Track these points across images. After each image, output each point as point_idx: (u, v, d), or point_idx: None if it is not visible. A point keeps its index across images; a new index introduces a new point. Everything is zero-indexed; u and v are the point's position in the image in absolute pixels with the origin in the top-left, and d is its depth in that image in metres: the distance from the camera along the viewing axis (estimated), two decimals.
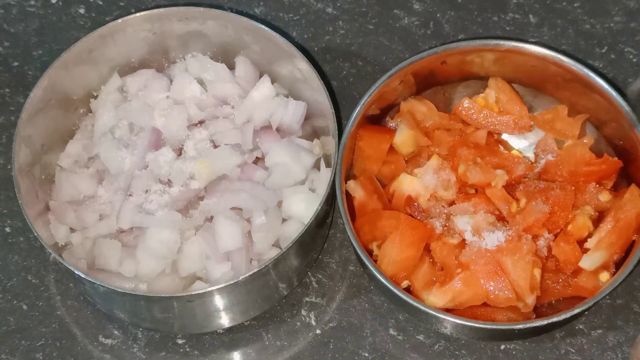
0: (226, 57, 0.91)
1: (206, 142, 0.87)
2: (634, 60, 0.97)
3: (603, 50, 0.98)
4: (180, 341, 0.86)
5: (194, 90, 0.89)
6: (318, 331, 0.87)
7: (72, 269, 0.78)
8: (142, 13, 0.88)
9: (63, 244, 0.85)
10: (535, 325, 0.78)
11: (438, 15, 1.00)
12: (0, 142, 0.95)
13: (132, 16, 0.88)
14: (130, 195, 0.85)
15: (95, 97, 0.90)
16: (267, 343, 0.86)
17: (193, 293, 0.78)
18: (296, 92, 0.90)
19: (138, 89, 0.90)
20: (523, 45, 0.87)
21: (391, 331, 0.86)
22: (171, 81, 0.90)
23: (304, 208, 0.84)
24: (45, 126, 0.86)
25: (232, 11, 0.96)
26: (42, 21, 1.01)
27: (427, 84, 0.90)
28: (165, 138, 0.87)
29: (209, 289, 0.78)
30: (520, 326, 0.79)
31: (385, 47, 0.99)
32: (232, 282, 0.78)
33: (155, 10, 0.88)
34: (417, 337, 0.86)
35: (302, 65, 0.86)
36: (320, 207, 0.80)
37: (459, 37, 0.99)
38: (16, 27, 1.00)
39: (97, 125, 0.88)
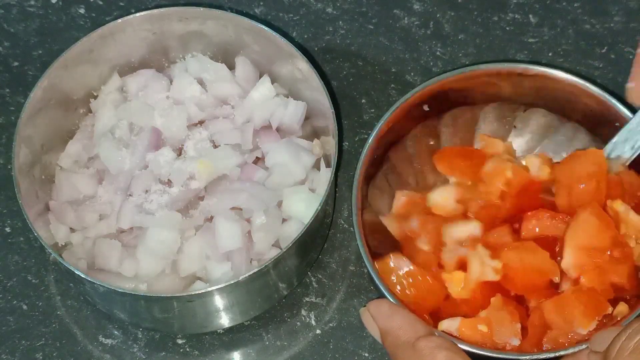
0: (226, 57, 0.92)
1: (206, 142, 0.87)
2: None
3: (603, 50, 0.98)
4: (180, 341, 0.86)
5: (194, 90, 0.89)
6: (318, 331, 0.87)
7: (72, 268, 0.78)
8: (142, 13, 0.88)
9: (63, 244, 0.85)
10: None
11: (438, 15, 1.00)
12: (0, 142, 0.95)
13: (132, 16, 0.88)
14: (130, 195, 0.85)
15: (95, 97, 0.91)
16: (267, 343, 0.86)
17: (193, 293, 0.78)
18: (296, 92, 0.90)
19: (138, 89, 0.90)
20: (551, 72, 0.84)
21: None
22: (171, 81, 0.90)
23: (304, 208, 0.84)
24: (45, 126, 0.86)
25: (232, 11, 0.96)
26: (42, 21, 1.01)
27: (450, 103, 0.87)
28: (165, 138, 0.87)
29: (210, 289, 0.78)
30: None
31: (386, 47, 0.99)
32: (232, 281, 0.78)
33: (156, 10, 0.88)
34: None
35: (302, 65, 0.86)
36: (320, 207, 0.80)
37: (459, 36, 0.99)
38: (16, 27, 1.00)
39: (97, 125, 0.88)
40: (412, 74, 0.97)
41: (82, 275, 0.78)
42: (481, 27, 0.99)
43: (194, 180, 0.85)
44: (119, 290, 0.78)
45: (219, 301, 0.81)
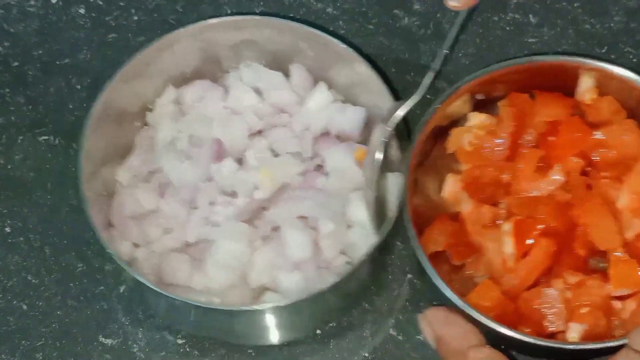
0: (279, 64, 0.91)
1: (266, 152, 0.87)
2: (634, 60, 0.97)
3: (603, 50, 0.98)
4: (180, 341, 0.86)
5: (251, 99, 0.88)
6: (318, 331, 0.87)
7: (152, 286, 0.77)
8: (198, 23, 0.88)
9: (126, 259, 0.84)
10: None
11: (438, 15, 1.00)
12: (1, 142, 0.95)
13: (188, 27, 0.88)
14: (195, 208, 0.84)
15: (151, 110, 0.90)
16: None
17: (289, 302, 0.78)
18: (352, 97, 0.90)
19: (194, 100, 0.89)
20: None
21: (391, 331, 0.86)
22: (227, 91, 0.90)
23: (367, 214, 0.83)
24: (104, 142, 0.85)
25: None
26: (42, 21, 1.01)
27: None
28: (226, 149, 0.86)
29: (301, 298, 0.77)
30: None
31: (385, 47, 0.98)
32: (324, 287, 0.77)
33: (211, 21, 0.88)
34: (417, 337, 0.86)
35: (363, 70, 0.86)
36: (395, 216, 0.80)
37: (459, 36, 0.99)
38: (16, 27, 1.00)
39: (157, 138, 0.87)
40: (412, 74, 0.97)
41: (161, 292, 0.77)
42: (481, 27, 0.99)
43: (258, 190, 0.84)
44: (204, 306, 0.78)
45: (305, 310, 0.81)
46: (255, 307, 0.79)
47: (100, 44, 0.99)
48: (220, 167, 0.85)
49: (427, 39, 0.99)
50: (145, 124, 0.90)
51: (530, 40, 0.98)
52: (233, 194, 0.85)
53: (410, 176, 0.82)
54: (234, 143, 0.87)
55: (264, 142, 0.87)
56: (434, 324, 0.79)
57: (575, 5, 1.00)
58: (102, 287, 0.89)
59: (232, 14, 0.95)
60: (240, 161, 0.87)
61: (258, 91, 0.90)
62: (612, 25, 0.99)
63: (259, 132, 0.88)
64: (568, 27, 0.99)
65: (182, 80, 0.91)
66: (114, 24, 1.00)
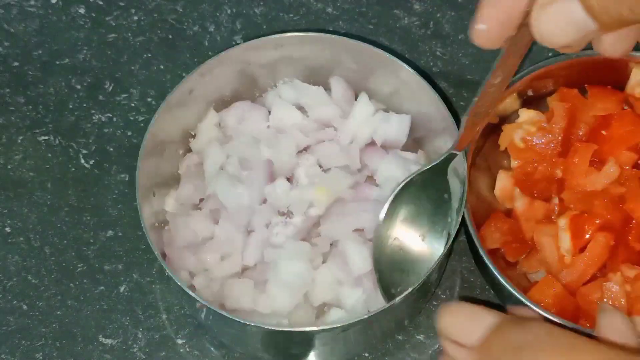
0: (316, 78, 0.90)
1: (315, 168, 0.86)
2: None
3: None
4: (180, 341, 0.86)
5: (294, 117, 0.88)
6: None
7: (223, 313, 0.76)
8: (241, 45, 0.87)
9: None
10: None
11: (438, 15, 1.00)
12: (1, 142, 0.95)
13: (230, 50, 0.86)
14: (252, 230, 0.83)
15: (194, 136, 0.89)
16: None
17: (364, 317, 0.76)
18: (394, 105, 0.89)
19: (235, 122, 0.89)
20: None
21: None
22: (269, 110, 0.89)
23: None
24: (154, 172, 0.84)
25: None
26: (42, 21, 1.01)
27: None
28: (275, 168, 0.86)
29: (377, 310, 0.76)
30: None
31: (386, 47, 0.98)
32: (399, 297, 0.76)
33: (253, 42, 0.87)
34: (417, 337, 0.86)
35: (407, 76, 0.85)
36: (458, 221, 0.79)
37: (459, 36, 0.99)
38: (16, 27, 1.00)
39: (206, 164, 0.86)
40: None
41: (234, 318, 0.76)
42: None
43: (313, 207, 0.83)
44: (284, 330, 0.77)
45: (375, 325, 0.80)
46: (344, 323, 0.76)
47: (100, 44, 0.99)
48: (274, 188, 0.84)
49: (427, 39, 0.99)
50: (189, 151, 0.89)
51: None
52: (288, 214, 0.84)
53: (467, 175, 0.81)
54: (284, 163, 0.86)
55: (312, 158, 0.86)
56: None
57: None
58: (102, 287, 0.89)
59: (271, 32, 0.92)
60: (290, 180, 0.86)
61: (300, 107, 0.89)
62: None
63: (305, 149, 0.88)
64: None
65: (222, 104, 0.90)
66: (114, 24, 1.00)
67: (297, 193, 0.84)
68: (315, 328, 0.77)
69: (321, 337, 0.79)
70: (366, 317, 0.76)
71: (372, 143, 0.88)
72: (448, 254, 0.83)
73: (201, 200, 0.86)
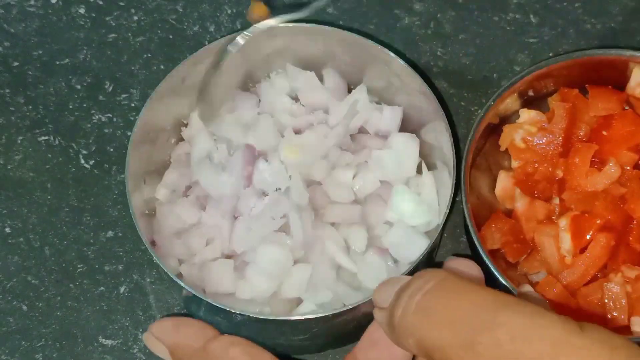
0: (310, 70, 0.90)
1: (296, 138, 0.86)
2: None
3: None
4: None
5: (284, 103, 0.88)
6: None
7: (216, 304, 0.75)
8: (230, 36, 0.86)
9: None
10: None
11: (439, 15, 1.00)
12: (1, 142, 0.95)
13: (223, 39, 0.86)
14: (238, 216, 0.83)
15: (186, 125, 0.89)
16: None
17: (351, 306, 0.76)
18: (388, 98, 0.90)
19: (227, 111, 0.89)
20: None
21: None
22: (259, 99, 0.89)
23: (411, 209, 0.83)
24: (146, 160, 0.85)
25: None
26: (42, 21, 1.00)
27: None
28: (259, 152, 0.86)
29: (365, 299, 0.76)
30: None
31: (386, 47, 0.98)
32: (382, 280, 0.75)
33: (246, 31, 0.86)
34: None
35: (401, 70, 0.85)
36: (442, 221, 0.80)
37: (459, 36, 0.99)
38: (16, 27, 1.00)
39: (193, 152, 0.86)
40: None
41: (222, 307, 0.75)
42: (482, 27, 0.99)
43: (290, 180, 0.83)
44: (264, 318, 0.76)
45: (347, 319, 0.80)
46: (346, 307, 0.76)
47: (100, 44, 0.99)
48: (258, 172, 0.84)
49: (427, 39, 0.99)
50: (181, 140, 0.89)
51: (530, 40, 0.98)
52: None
53: (467, 174, 0.82)
54: (266, 144, 0.86)
55: (295, 137, 0.86)
56: (163, 335, 0.78)
57: (576, 5, 1.00)
58: (102, 288, 0.89)
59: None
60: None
61: (292, 95, 0.89)
62: (612, 25, 0.99)
63: (297, 134, 0.87)
64: (569, 27, 0.99)
65: None
66: (114, 24, 1.00)
67: (274, 167, 0.84)
68: (311, 316, 0.77)
69: (313, 324, 0.79)
70: (351, 306, 0.76)
71: (365, 131, 0.88)
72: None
73: (189, 187, 0.87)
